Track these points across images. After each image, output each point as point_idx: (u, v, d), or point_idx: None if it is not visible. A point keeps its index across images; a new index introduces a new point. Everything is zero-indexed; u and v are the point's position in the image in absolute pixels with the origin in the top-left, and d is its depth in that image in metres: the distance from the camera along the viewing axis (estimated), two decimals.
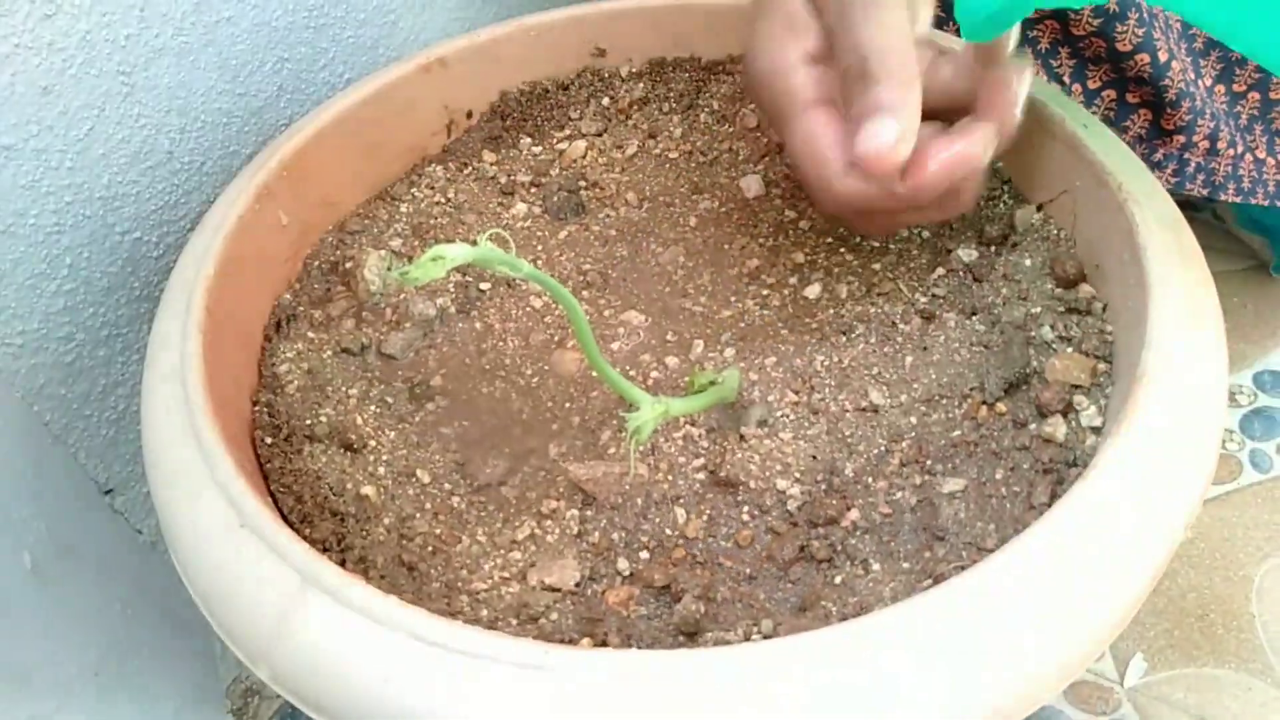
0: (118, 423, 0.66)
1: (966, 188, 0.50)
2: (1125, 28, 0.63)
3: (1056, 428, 0.46)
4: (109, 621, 0.64)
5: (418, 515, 0.48)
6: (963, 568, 0.40)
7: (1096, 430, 0.45)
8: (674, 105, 0.68)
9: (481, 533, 0.47)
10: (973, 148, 0.47)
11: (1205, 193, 0.69)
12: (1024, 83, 0.48)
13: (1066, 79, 0.68)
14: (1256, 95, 0.69)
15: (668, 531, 0.47)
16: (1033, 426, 0.47)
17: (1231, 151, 0.68)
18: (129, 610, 0.66)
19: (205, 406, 0.44)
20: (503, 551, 0.46)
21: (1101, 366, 0.48)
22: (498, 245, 0.38)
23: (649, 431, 0.42)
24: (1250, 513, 0.81)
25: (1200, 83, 0.68)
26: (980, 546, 0.43)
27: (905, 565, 0.43)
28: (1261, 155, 0.70)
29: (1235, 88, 0.69)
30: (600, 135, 0.68)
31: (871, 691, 0.33)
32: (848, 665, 0.33)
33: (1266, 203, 0.71)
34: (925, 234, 0.59)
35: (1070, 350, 0.49)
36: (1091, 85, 0.67)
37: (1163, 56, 0.64)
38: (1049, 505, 0.43)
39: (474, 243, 0.36)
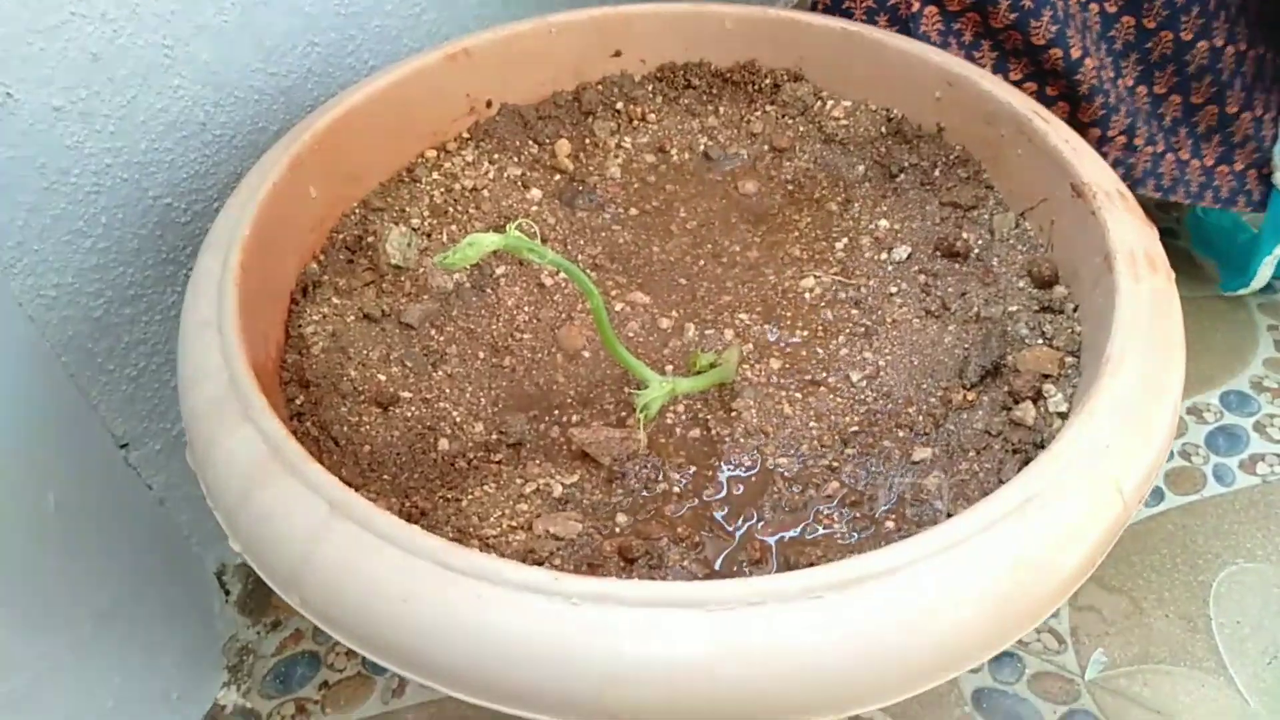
0: (137, 380, 0.69)
1: None
2: (1040, 23, 0.66)
3: (1026, 412, 0.50)
4: (120, 569, 0.67)
5: (434, 469, 0.52)
6: None
7: (1063, 415, 0.49)
8: (684, 109, 0.72)
9: (492, 486, 0.51)
10: None
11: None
12: None
13: (990, 69, 0.71)
14: (1178, 99, 0.72)
15: (662, 492, 0.50)
16: (1005, 411, 0.51)
17: (1150, 149, 0.72)
18: (139, 561, 0.69)
19: (241, 351, 0.48)
20: (511, 503, 0.50)
21: (1070, 359, 0.52)
22: (525, 234, 0.42)
23: (657, 409, 0.46)
24: (1211, 523, 0.86)
25: (1121, 81, 0.71)
26: (951, 514, 0.46)
27: (887, 525, 0.47)
28: (1185, 156, 0.73)
29: (1156, 89, 0.72)
30: (614, 134, 0.71)
31: (849, 619, 0.37)
32: (831, 599, 0.37)
33: (1187, 201, 0.75)
34: (916, 237, 0.63)
35: (1042, 344, 0.53)
36: (1013, 77, 0.71)
37: (1075, 53, 0.67)
38: None
39: (501, 229, 0.40)
